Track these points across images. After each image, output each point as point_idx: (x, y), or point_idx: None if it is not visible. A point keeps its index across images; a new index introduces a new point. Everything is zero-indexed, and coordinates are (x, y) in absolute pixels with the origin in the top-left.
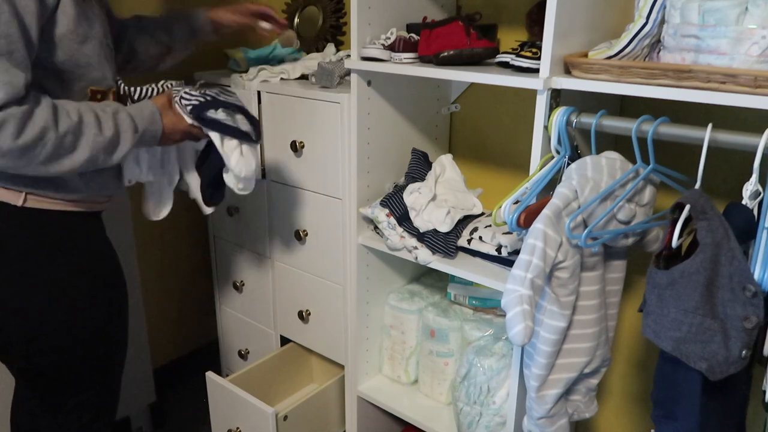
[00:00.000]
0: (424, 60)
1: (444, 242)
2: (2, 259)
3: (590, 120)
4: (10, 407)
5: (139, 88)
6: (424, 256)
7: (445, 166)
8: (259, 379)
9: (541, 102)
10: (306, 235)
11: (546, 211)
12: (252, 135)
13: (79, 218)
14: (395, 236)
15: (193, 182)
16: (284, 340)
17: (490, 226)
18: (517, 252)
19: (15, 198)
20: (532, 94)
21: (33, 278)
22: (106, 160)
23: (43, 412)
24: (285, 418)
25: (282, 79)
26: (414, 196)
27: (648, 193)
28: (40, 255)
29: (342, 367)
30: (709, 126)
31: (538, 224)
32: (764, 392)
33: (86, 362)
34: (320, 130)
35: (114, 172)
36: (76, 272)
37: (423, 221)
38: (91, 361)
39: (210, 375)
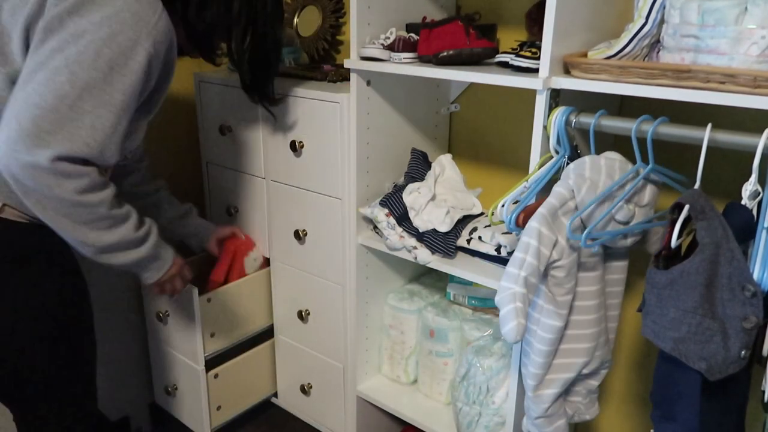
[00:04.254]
0: (423, 60)
1: (443, 242)
2: None
3: (589, 120)
4: None
5: None
6: (424, 255)
7: (444, 165)
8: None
9: (541, 102)
10: (305, 234)
11: (541, 210)
12: None
13: (42, 230)
14: (395, 236)
15: None
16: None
17: (489, 225)
18: None
19: None
20: (531, 93)
21: (2, 285)
22: (117, 255)
23: (19, 421)
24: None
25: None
26: (413, 196)
27: (648, 193)
28: (7, 263)
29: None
30: (709, 126)
31: (533, 222)
32: (763, 392)
33: (52, 367)
34: (320, 130)
35: None
36: (36, 279)
37: (422, 221)
38: (57, 365)
39: None
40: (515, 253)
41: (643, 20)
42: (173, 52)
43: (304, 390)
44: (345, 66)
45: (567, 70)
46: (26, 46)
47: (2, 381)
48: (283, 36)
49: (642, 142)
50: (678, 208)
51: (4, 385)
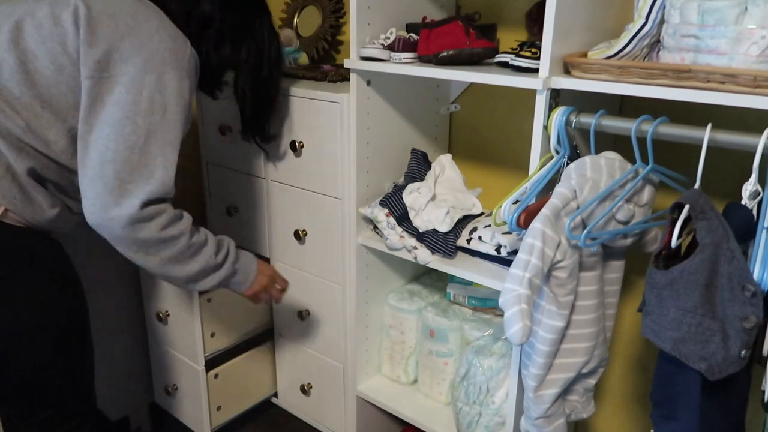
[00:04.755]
0: (423, 60)
1: (443, 242)
2: None
3: (589, 120)
4: None
5: None
6: (424, 255)
7: (444, 165)
8: None
9: (541, 102)
10: (305, 235)
11: (545, 211)
12: None
13: (40, 235)
14: (395, 236)
15: None
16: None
17: (489, 225)
18: (516, 252)
19: None
20: (531, 94)
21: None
22: (203, 281)
23: (21, 427)
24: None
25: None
26: (413, 196)
27: (647, 193)
28: (6, 265)
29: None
30: (708, 126)
31: (536, 224)
32: (763, 392)
33: (52, 372)
34: (320, 130)
35: (78, 217)
36: (37, 283)
37: (422, 221)
38: (57, 370)
39: None
40: (519, 255)
41: (643, 20)
42: (198, 75)
43: (304, 390)
44: (345, 66)
45: (567, 70)
46: (58, 70)
47: (1, 385)
48: (281, 82)
49: (642, 142)
50: (678, 208)
51: (3, 388)
